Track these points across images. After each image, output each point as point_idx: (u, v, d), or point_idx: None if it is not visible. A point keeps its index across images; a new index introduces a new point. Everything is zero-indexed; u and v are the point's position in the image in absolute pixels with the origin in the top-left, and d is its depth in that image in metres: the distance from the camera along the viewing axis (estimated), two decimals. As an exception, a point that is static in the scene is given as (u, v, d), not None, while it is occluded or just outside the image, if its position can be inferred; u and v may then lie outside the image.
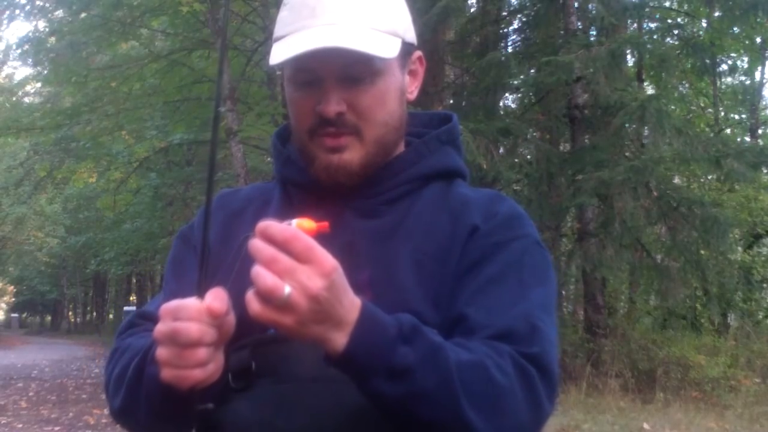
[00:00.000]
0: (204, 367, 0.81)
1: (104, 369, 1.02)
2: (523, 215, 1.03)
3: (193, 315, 0.80)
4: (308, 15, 0.95)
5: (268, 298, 0.74)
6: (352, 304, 0.80)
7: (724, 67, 13.61)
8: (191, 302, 0.81)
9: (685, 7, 11.34)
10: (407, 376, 0.80)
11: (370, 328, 0.81)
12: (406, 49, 1.01)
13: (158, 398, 0.88)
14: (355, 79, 0.96)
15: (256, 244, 0.76)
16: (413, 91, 1.07)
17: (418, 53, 1.07)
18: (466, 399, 0.82)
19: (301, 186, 1.05)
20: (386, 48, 0.95)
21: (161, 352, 0.81)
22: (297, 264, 0.75)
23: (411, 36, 1.03)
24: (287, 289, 0.74)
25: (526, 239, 1.00)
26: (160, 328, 0.81)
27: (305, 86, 0.98)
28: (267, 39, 11.31)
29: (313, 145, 1.00)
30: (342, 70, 0.95)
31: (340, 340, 0.79)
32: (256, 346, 0.93)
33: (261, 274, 0.74)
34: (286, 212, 1.04)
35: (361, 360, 0.80)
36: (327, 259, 0.76)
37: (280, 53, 0.95)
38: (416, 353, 0.81)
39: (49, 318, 50.59)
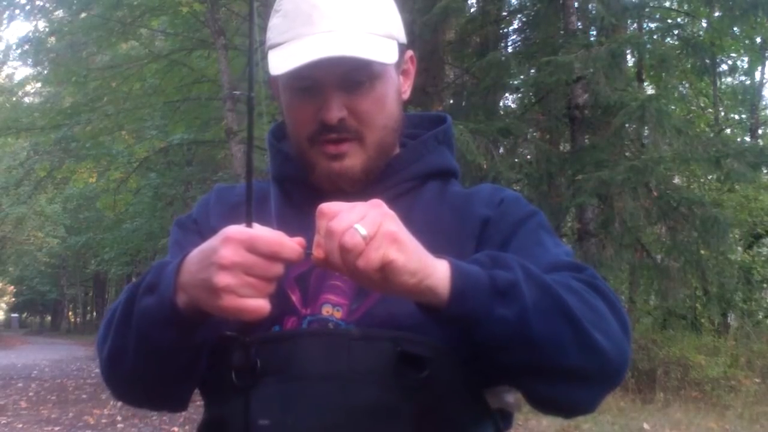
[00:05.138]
0: (267, 298, 0.80)
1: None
2: (523, 198, 1.06)
3: (285, 255, 0.79)
4: (304, 22, 0.95)
5: (351, 247, 0.73)
6: (425, 252, 0.79)
7: (724, 67, 13.63)
8: (275, 236, 0.79)
9: (685, 7, 11.33)
10: (514, 291, 0.80)
11: (460, 263, 0.81)
12: (400, 49, 1.01)
13: (153, 330, 0.86)
14: (355, 84, 0.96)
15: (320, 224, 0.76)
16: (407, 90, 1.07)
17: (410, 52, 1.07)
18: (574, 308, 0.81)
19: (301, 184, 1.05)
20: (386, 53, 0.96)
21: (228, 279, 0.78)
22: (356, 214, 0.75)
23: (403, 36, 1.03)
24: (361, 229, 0.74)
25: (537, 215, 1.03)
26: (232, 256, 0.78)
27: (304, 93, 0.97)
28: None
29: (314, 152, 0.99)
30: (342, 77, 0.95)
31: (441, 265, 0.79)
32: (261, 343, 0.92)
33: (328, 236, 0.75)
34: (286, 209, 1.04)
35: (470, 284, 0.79)
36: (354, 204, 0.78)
37: (281, 63, 0.94)
38: (513, 271, 0.81)
39: (49, 318, 50.59)
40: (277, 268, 0.79)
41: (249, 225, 0.81)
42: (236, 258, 0.78)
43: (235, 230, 0.80)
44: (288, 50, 0.94)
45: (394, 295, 0.78)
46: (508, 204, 1.02)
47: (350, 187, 1.00)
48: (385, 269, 0.75)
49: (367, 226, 0.74)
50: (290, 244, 0.79)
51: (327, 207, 0.77)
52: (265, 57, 0.97)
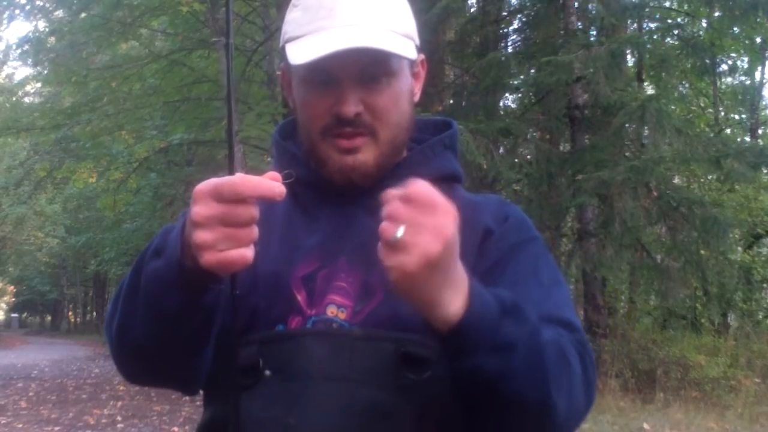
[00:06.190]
0: (250, 246, 0.78)
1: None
2: (528, 219, 1.06)
3: (246, 191, 0.76)
4: (325, 16, 0.95)
5: (384, 240, 0.74)
6: (462, 271, 0.78)
7: (724, 67, 13.64)
8: (241, 178, 0.76)
9: (685, 7, 11.34)
10: (508, 352, 0.79)
11: (481, 298, 0.79)
12: (416, 51, 1.02)
13: (161, 293, 0.85)
14: (373, 79, 0.96)
15: (390, 203, 0.76)
16: (417, 92, 1.07)
17: (421, 56, 1.07)
18: (552, 380, 0.82)
19: (309, 184, 1.04)
20: (407, 49, 0.96)
21: (204, 236, 0.76)
22: (420, 215, 0.74)
23: (418, 39, 1.04)
24: (399, 231, 0.73)
25: (538, 241, 1.03)
26: (203, 210, 0.76)
27: (320, 87, 0.97)
28: (267, 39, 11.30)
29: (326, 145, 0.99)
30: (360, 71, 0.95)
31: (456, 303, 0.77)
32: (264, 342, 0.92)
33: (383, 226, 0.75)
34: (292, 209, 1.04)
35: (472, 331, 0.78)
36: (450, 211, 0.75)
37: (302, 53, 0.94)
38: (520, 329, 0.81)
39: (49, 318, 50.60)
40: (248, 210, 0.77)
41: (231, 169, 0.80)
42: (206, 211, 0.76)
43: (202, 184, 0.78)
44: (309, 41, 0.94)
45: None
46: (512, 224, 1.02)
47: (363, 181, 0.99)
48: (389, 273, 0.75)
49: (408, 235, 0.73)
50: (251, 180, 0.76)
51: (417, 190, 0.75)
52: (274, 51, 0.97)
